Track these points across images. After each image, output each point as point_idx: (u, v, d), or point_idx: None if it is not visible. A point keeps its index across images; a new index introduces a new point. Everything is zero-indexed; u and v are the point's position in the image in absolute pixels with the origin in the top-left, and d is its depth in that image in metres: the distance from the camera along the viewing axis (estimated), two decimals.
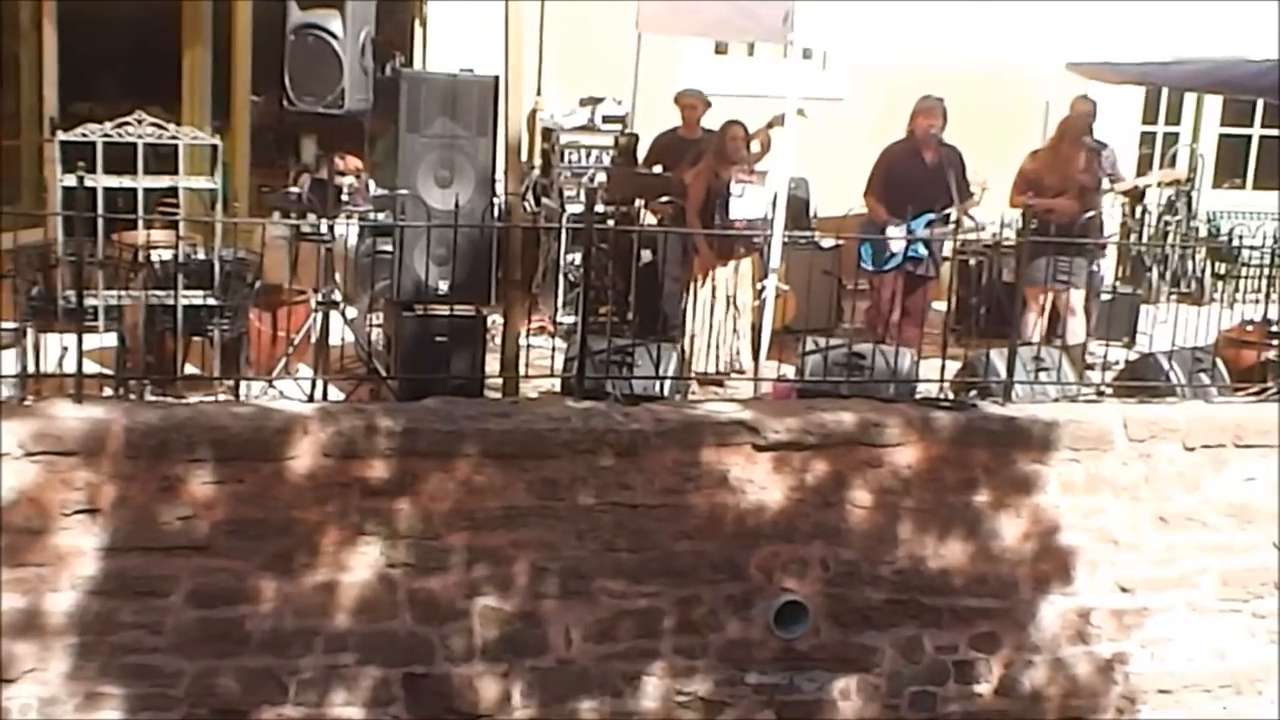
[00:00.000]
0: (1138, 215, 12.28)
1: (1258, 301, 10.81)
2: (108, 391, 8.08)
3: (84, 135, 8.38)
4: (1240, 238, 12.75)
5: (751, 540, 8.10)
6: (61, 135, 8.63)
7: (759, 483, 8.08)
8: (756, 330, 9.20)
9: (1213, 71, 9.92)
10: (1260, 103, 13.09)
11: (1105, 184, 11.20)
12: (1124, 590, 8.66)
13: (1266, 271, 10.66)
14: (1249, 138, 14.01)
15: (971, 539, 8.39)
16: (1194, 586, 8.77)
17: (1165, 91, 13.28)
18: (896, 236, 9.91)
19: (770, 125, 10.17)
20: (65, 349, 7.95)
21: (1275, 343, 9.71)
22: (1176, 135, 13.87)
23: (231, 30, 12.09)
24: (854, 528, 8.23)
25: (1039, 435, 8.45)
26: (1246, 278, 11.93)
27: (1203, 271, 12.73)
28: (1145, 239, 12.39)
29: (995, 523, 8.41)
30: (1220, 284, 12.50)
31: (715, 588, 8.06)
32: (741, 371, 9.47)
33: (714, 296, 9.66)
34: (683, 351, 9.29)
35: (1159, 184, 12.81)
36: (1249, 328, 10.28)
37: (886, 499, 8.25)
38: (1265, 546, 8.85)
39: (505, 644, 7.86)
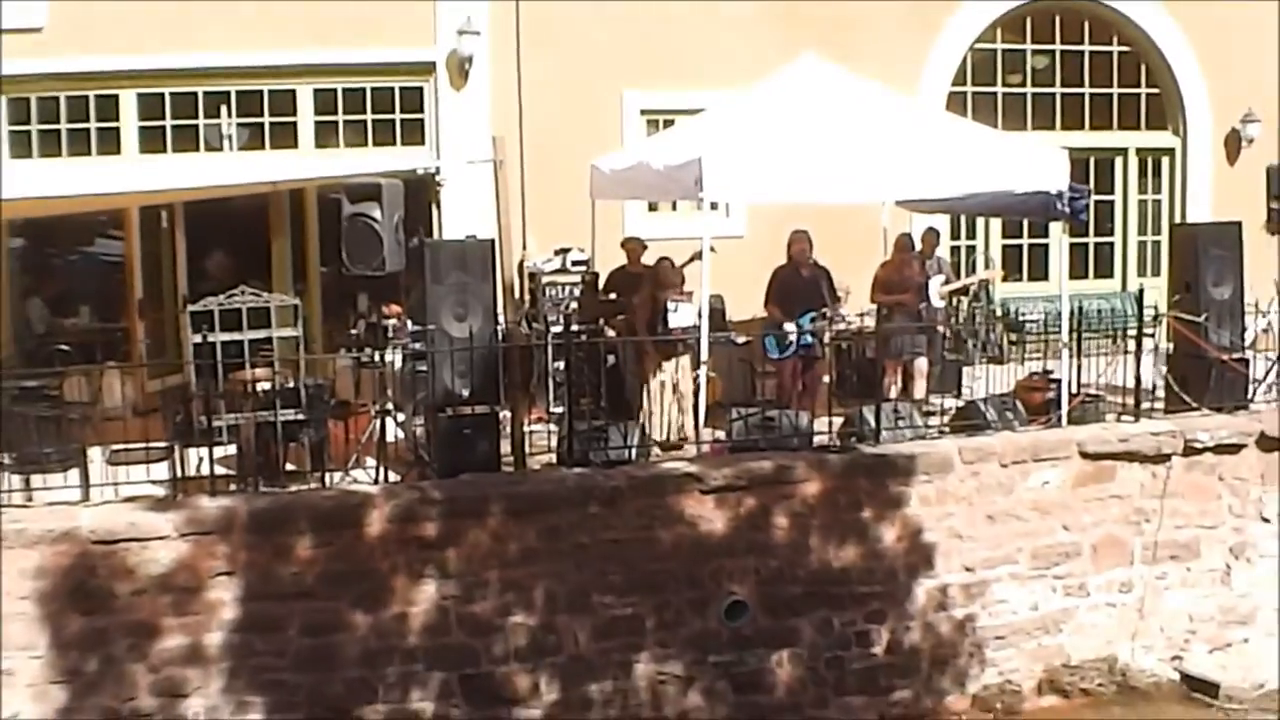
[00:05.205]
0: (954, 304, 12.30)
1: (1038, 358, 10.84)
2: (233, 487, 8.00)
3: (204, 306, 8.45)
4: (1023, 315, 12.84)
5: (704, 558, 8.06)
6: (191, 307, 8.61)
7: (706, 517, 8.06)
8: (695, 407, 9.11)
9: (992, 201, 9.97)
10: (1026, 221, 13.16)
11: (941, 283, 11.22)
12: (968, 569, 8.66)
13: (1043, 337, 10.66)
14: (1021, 245, 14.06)
15: (861, 543, 8.37)
16: (1014, 562, 8.78)
17: (963, 216, 13.38)
18: (790, 331, 9.87)
19: (691, 259, 10.14)
20: (201, 458, 7.93)
21: (1053, 386, 9.66)
22: (974, 246, 13.96)
23: (304, 222, 12.06)
24: (777, 543, 8.21)
25: (902, 466, 8.47)
26: (1029, 342, 11.98)
27: (1001, 340, 12.76)
28: (961, 321, 12.41)
29: (876, 530, 8.41)
30: (1013, 348, 12.53)
31: (680, 595, 8.02)
32: (687, 438, 9.36)
33: (663, 385, 9.56)
34: (643, 426, 9.17)
35: (988, 280, 12.88)
36: (1035, 377, 10.28)
37: (798, 520, 8.24)
38: (1058, 529, 8.86)
39: (532, 648, 7.79)
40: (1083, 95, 13.94)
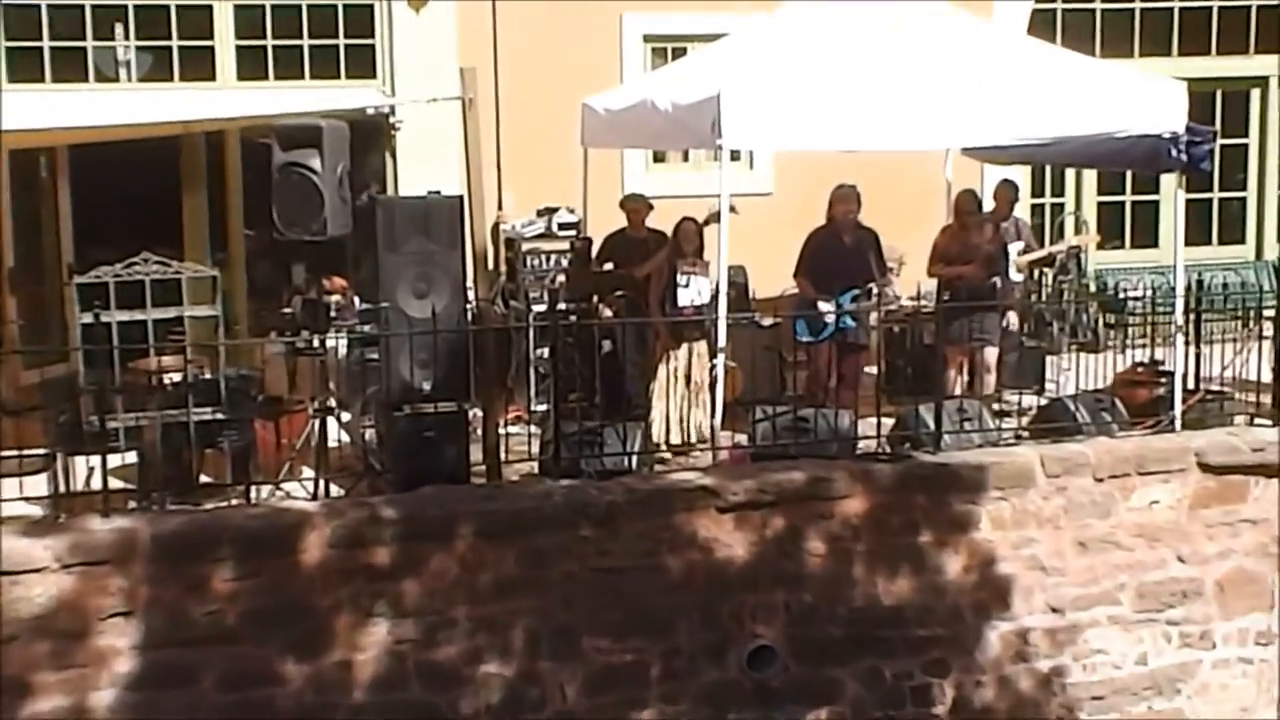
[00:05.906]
0: (1035, 277, 12.32)
1: (1144, 345, 10.85)
2: (132, 504, 8.03)
3: (97, 277, 8.39)
4: (1125, 291, 12.85)
5: (722, 592, 8.09)
6: (78, 279, 8.61)
7: (724, 540, 8.08)
8: (712, 404, 9.13)
9: (1085, 149, 9.95)
10: (1129, 173, 13.18)
11: (1020, 251, 11.23)
12: (1055, 610, 8.68)
13: (1149, 318, 10.70)
14: (1123, 203, 14.12)
15: (917, 575, 8.40)
16: (1114, 602, 8.80)
17: (1048, 168, 13.39)
18: (827, 311, 9.88)
19: (706, 221, 10.16)
20: (92, 469, 7.94)
21: (1163, 380, 9.67)
22: (1062, 205, 13.98)
23: (224, 173, 12.07)
24: (812, 573, 8.23)
25: (969, 478, 8.49)
26: (1132, 325, 12.00)
27: (1095, 323, 12.78)
28: (1044, 298, 12.42)
29: (937, 559, 8.43)
30: (1111, 332, 12.56)
31: (693, 638, 8.05)
32: (701, 442, 9.36)
33: (674, 376, 9.59)
34: (647, 427, 9.22)
35: (1079, 247, 12.88)
36: (1139, 369, 10.32)
37: (838, 545, 8.26)
38: (1172, 561, 8.89)
39: (508, 703, 7.80)
40: (1209, 10, 13.97)
